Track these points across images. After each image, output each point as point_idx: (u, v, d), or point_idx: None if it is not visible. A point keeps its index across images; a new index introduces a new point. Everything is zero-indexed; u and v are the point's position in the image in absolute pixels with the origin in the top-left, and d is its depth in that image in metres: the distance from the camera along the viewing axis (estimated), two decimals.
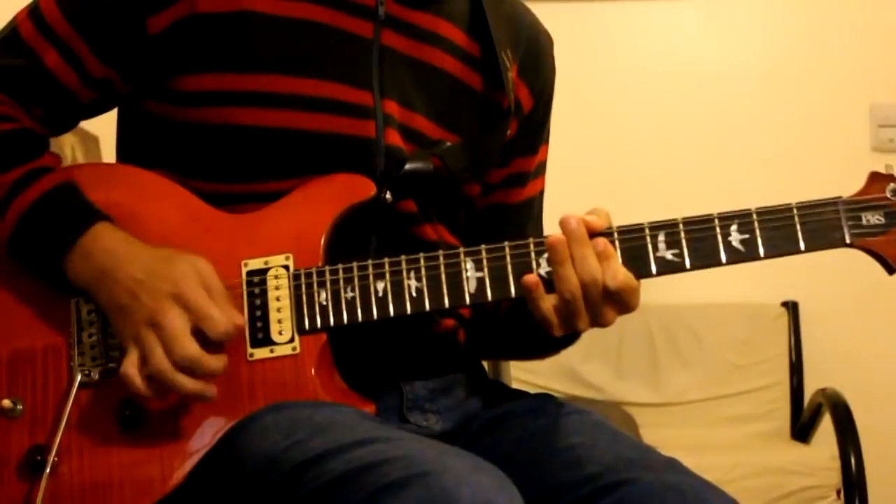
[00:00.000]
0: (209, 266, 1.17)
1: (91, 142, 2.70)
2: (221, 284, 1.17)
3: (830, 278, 3.48)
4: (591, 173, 3.54)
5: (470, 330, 1.37)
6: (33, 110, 1.27)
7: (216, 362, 1.14)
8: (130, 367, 1.14)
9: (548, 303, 1.16)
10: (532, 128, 1.42)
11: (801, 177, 3.51)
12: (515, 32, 1.39)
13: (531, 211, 1.44)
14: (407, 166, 1.25)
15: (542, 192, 1.47)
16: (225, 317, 1.14)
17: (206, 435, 1.16)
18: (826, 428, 3.15)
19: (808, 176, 3.50)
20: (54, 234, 1.19)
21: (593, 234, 1.16)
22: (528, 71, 1.39)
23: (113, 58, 1.26)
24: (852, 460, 2.91)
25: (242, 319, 1.17)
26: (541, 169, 1.46)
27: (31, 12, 1.27)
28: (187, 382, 1.13)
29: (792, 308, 3.57)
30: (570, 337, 1.24)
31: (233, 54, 1.23)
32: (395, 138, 1.26)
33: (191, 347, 1.12)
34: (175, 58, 1.24)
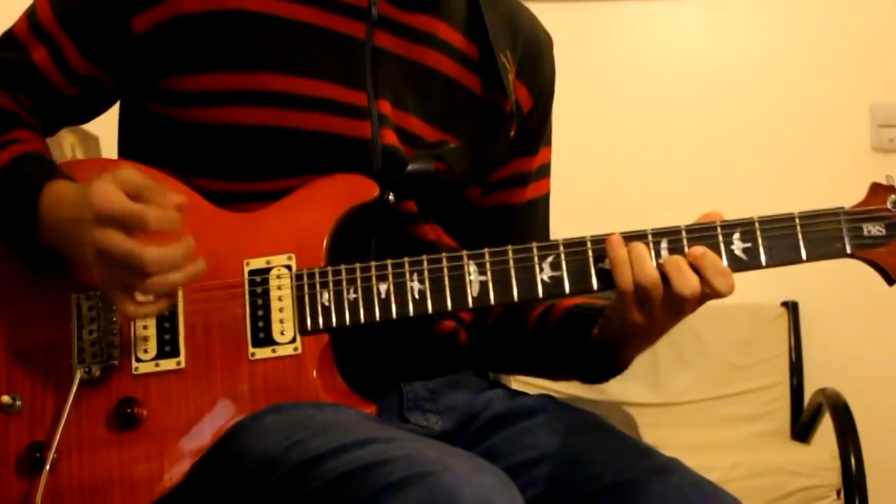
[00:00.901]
0: (125, 168, 1.13)
1: (91, 142, 2.71)
2: (138, 174, 1.12)
3: (830, 278, 3.47)
4: (591, 173, 3.54)
5: (502, 349, 1.38)
6: (22, 99, 1.29)
7: (177, 248, 1.11)
8: (127, 307, 1.12)
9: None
10: (531, 128, 1.42)
11: (801, 177, 3.51)
12: (514, 33, 1.39)
13: (534, 213, 1.44)
14: (409, 167, 1.26)
15: (547, 196, 1.46)
16: (141, 207, 1.09)
17: (207, 434, 1.16)
18: (826, 428, 3.15)
19: (809, 176, 3.50)
20: (16, 201, 1.18)
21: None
22: (527, 71, 1.39)
23: (97, 56, 1.27)
24: (852, 460, 2.92)
25: (178, 197, 1.11)
26: (544, 171, 1.45)
27: (30, 12, 1.30)
28: (174, 275, 1.11)
29: (792, 308, 3.57)
30: (612, 366, 1.25)
31: (222, 53, 1.23)
32: (391, 138, 1.26)
33: (137, 250, 1.08)
34: (163, 57, 1.24)
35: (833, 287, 3.50)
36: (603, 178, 3.58)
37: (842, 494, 2.95)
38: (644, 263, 1.15)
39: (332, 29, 1.26)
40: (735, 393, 3.46)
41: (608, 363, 1.26)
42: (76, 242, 1.13)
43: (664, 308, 1.16)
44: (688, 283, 1.14)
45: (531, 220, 1.43)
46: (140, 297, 1.12)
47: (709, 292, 1.15)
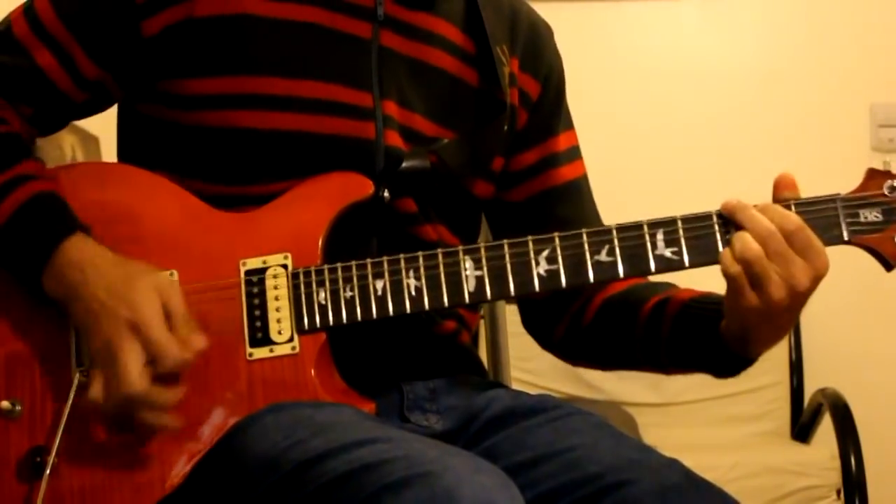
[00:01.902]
0: (172, 284, 1.16)
1: (91, 142, 2.70)
2: (182, 305, 1.14)
3: (830, 278, 3.47)
4: (592, 172, 3.53)
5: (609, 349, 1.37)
6: (22, 109, 1.27)
7: (169, 395, 1.13)
8: (94, 393, 1.13)
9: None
10: (546, 112, 1.41)
11: (800, 176, 3.48)
12: (513, 27, 1.39)
13: (581, 193, 1.43)
14: (404, 164, 1.25)
15: (585, 177, 1.45)
16: (177, 348, 1.12)
17: (206, 435, 1.16)
18: (826, 428, 3.15)
19: (808, 176, 3.46)
20: (28, 249, 1.19)
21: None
22: (530, 60, 1.39)
23: (107, 60, 1.26)
24: (852, 460, 2.92)
25: (202, 343, 1.14)
26: (574, 152, 1.44)
27: (26, 11, 1.27)
28: (143, 416, 1.12)
29: None
30: (744, 359, 1.22)
31: (231, 57, 1.23)
32: (394, 139, 1.26)
33: (136, 385, 1.10)
34: (172, 60, 1.24)
35: (833, 287, 3.48)
36: (602, 178, 3.54)
37: (842, 494, 2.95)
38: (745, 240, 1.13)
39: (340, 30, 1.26)
40: (735, 393, 3.46)
41: (739, 356, 1.22)
42: (92, 316, 1.14)
43: (778, 287, 1.13)
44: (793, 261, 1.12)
45: (579, 198, 1.42)
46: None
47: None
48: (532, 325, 1.46)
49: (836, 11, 3.69)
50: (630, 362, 1.39)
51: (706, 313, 1.24)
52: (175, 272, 1.20)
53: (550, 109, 1.42)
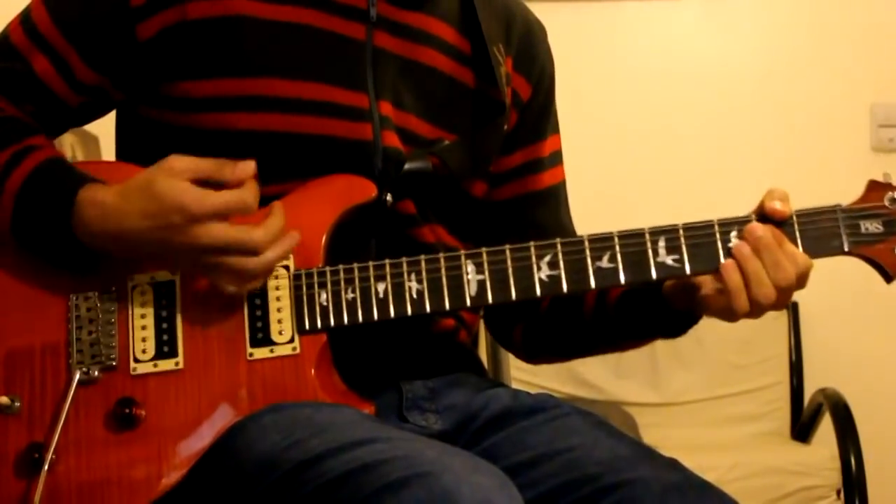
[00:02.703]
0: (178, 159, 1.15)
1: (91, 142, 2.71)
2: (200, 162, 1.15)
3: (830, 279, 3.46)
4: (590, 173, 3.53)
5: (553, 328, 1.39)
6: (25, 107, 1.28)
7: (274, 221, 1.16)
8: (236, 287, 1.16)
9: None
10: (535, 114, 1.42)
11: (800, 177, 3.49)
12: (507, 26, 1.39)
13: (558, 198, 1.44)
14: (406, 166, 1.26)
15: (564, 183, 1.46)
16: (234, 196, 1.14)
17: (206, 434, 1.16)
18: (826, 428, 3.15)
19: (808, 176, 3.48)
20: (51, 206, 1.18)
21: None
22: (524, 61, 1.40)
23: (103, 65, 1.26)
24: (852, 460, 2.91)
25: (250, 166, 1.16)
26: (557, 157, 1.45)
27: (24, 19, 1.28)
28: (277, 246, 1.16)
29: (792, 308, 3.57)
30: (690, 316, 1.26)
31: (226, 59, 1.23)
32: (392, 140, 1.26)
33: (249, 231, 1.14)
34: (167, 64, 1.24)
35: (833, 287, 3.48)
36: (602, 178, 3.58)
37: (842, 494, 2.95)
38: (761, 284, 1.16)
39: (334, 31, 1.26)
40: (735, 393, 3.46)
41: (686, 315, 1.26)
42: (160, 246, 1.15)
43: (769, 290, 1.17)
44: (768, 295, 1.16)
45: (556, 204, 1.44)
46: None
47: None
48: (493, 325, 1.49)
49: (836, 11, 3.68)
50: (585, 347, 1.41)
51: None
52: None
53: (539, 112, 1.43)
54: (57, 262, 1.21)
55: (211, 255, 1.14)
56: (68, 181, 1.19)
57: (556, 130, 1.46)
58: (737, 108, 3.69)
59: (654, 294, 1.26)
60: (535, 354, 1.47)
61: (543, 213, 1.42)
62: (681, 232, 1.18)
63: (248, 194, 1.15)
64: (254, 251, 1.14)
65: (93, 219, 1.16)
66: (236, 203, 1.14)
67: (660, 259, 1.17)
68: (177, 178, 1.13)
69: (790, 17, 3.72)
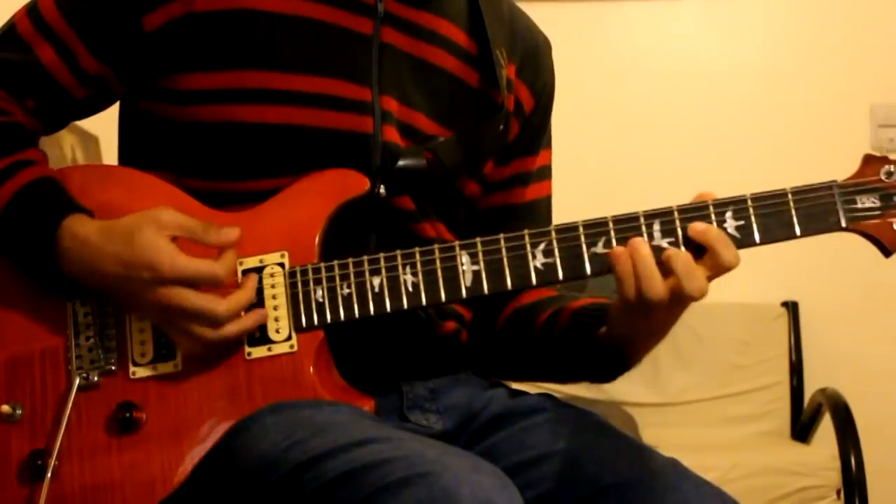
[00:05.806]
0: (166, 212, 1.16)
1: (91, 142, 2.70)
2: (188, 220, 1.17)
3: (830, 278, 3.48)
4: (590, 173, 3.54)
5: (502, 352, 1.38)
6: (26, 102, 1.27)
7: (242, 295, 1.17)
8: (192, 348, 1.16)
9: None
10: (532, 129, 1.42)
11: (800, 177, 3.48)
12: (512, 34, 1.39)
13: (537, 213, 1.44)
14: (399, 162, 1.25)
15: (548, 198, 1.46)
16: (208, 266, 1.15)
17: (206, 435, 1.16)
18: (826, 428, 3.15)
19: (809, 175, 3.47)
20: (34, 228, 1.19)
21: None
22: (528, 71, 1.40)
23: (108, 55, 1.26)
24: (852, 460, 2.91)
25: (234, 232, 1.18)
26: (545, 172, 1.45)
27: (30, 10, 1.28)
28: (239, 322, 1.16)
29: (792, 308, 3.57)
30: (620, 364, 1.25)
31: (231, 52, 1.23)
32: (392, 134, 1.26)
33: (216, 303, 1.14)
34: (172, 55, 1.24)
35: (833, 287, 3.50)
36: (602, 178, 3.58)
37: (842, 494, 2.95)
38: (651, 278, 1.13)
39: (341, 25, 1.26)
40: (735, 393, 3.46)
41: (617, 361, 1.26)
42: (126, 295, 1.17)
43: (668, 310, 1.15)
44: (698, 286, 1.13)
45: (532, 219, 1.43)
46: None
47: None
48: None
49: (837, 12, 3.69)
50: (532, 373, 1.40)
51: (590, 320, 1.25)
52: None
53: (537, 128, 1.43)
54: (35, 278, 1.21)
55: (171, 315, 1.15)
56: (55, 206, 1.20)
57: (549, 145, 1.46)
58: (737, 108, 3.69)
59: (592, 331, 1.25)
60: (486, 369, 1.42)
61: (519, 227, 1.41)
62: (676, 214, 1.18)
63: (222, 268, 1.16)
64: (215, 323, 1.15)
65: (71, 251, 1.17)
66: (206, 275, 1.15)
67: (655, 243, 1.17)
68: (161, 231, 1.15)
69: (790, 17, 3.73)
